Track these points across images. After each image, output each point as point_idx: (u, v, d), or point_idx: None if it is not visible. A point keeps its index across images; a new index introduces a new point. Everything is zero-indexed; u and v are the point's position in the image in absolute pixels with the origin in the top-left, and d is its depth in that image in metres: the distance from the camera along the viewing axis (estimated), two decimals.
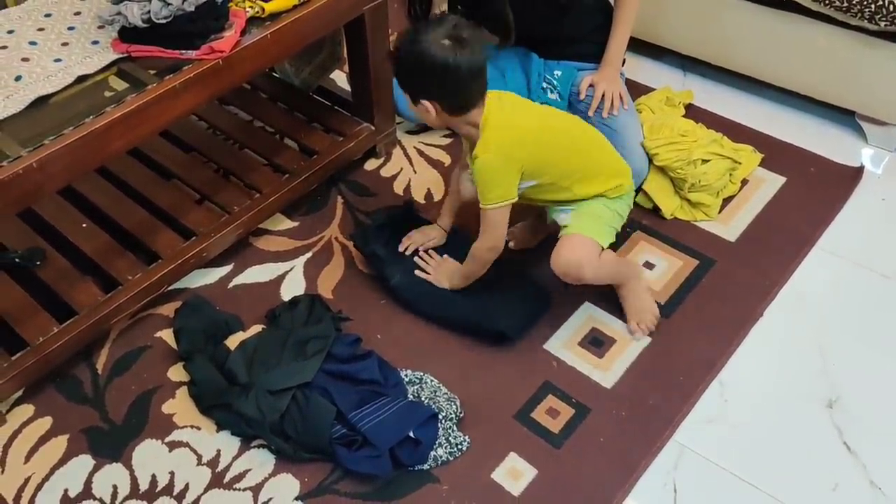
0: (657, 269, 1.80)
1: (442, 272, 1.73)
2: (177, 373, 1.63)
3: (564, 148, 1.60)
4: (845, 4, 1.88)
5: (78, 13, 1.68)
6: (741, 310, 1.71)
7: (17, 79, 1.50)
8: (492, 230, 1.57)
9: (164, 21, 1.50)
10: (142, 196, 1.92)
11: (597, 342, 1.67)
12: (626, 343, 1.66)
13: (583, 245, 1.56)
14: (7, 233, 1.80)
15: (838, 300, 1.75)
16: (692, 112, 2.19)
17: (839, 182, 1.99)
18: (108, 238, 1.79)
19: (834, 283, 1.78)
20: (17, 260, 1.72)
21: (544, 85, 2.05)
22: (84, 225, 1.82)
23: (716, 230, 1.89)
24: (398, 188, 2.05)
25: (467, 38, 1.41)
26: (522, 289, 1.73)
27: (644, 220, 1.91)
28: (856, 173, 2.01)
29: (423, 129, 2.22)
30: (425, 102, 1.48)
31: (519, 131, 1.53)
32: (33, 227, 1.82)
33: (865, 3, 1.85)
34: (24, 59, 1.54)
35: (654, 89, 2.24)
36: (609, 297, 1.72)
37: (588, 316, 1.71)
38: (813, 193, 1.96)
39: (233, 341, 1.65)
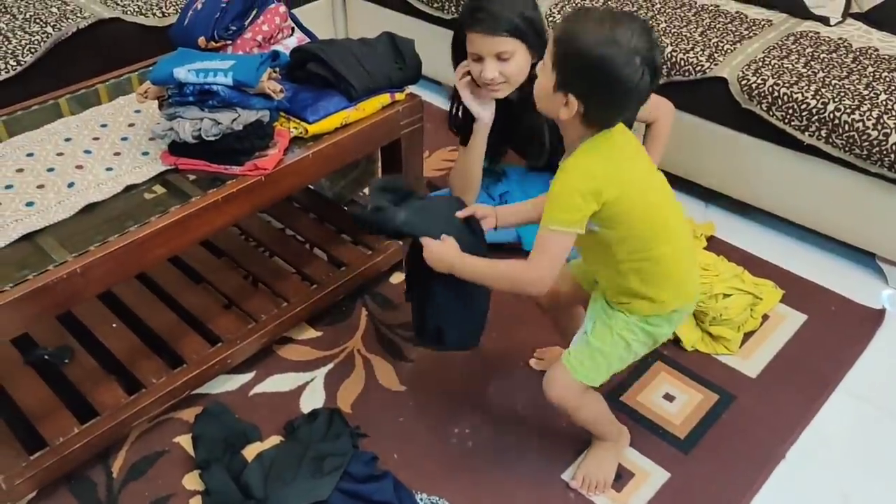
0: (677, 402, 1.80)
1: (436, 254, 1.46)
2: (192, 481, 1.62)
3: (651, 216, 1.38)
4: (865, 152, 1.95)
5: (132, 125, 1.77)
6: (763, 449, 1.69)
7: (70, 185, 1.57)
8: (543, 258, 1.34)
9: (213, 138, 1.58)
10: (171, 298, 1.96)
11: (615, 475, 1.65)
12: (645, 477, 1.64)
13: (563, 381, 1.47)
14: (38, 329, 1.83)
15: (861, 445, 1.72)
16: (713, 244, 2.23)
17: (861, 323, 2.00)
18: (135, 339, 1.82)
19: (856, 427, 1.76)
20: (46, 357, 1.75)
21: None
22: (114, 325, 1.86)
23: (736, 365, 1.89)
24: None
25: (657, 67, 1.26)
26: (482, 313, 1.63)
27: (665, 351, 1.92)
28: (878, 315, 2.02)
29: None
30: (572, 99, 1.28)
31: (617, 168, 1.33)
32: (64, 323, 1.85)
33: (885, 152, 1.91)
34: (78, 167, 1.62)
35: None
36: (630, 431, 1.71)
37: None
38: (834, 333, 1.97)
39: (250, 451, 1.65)
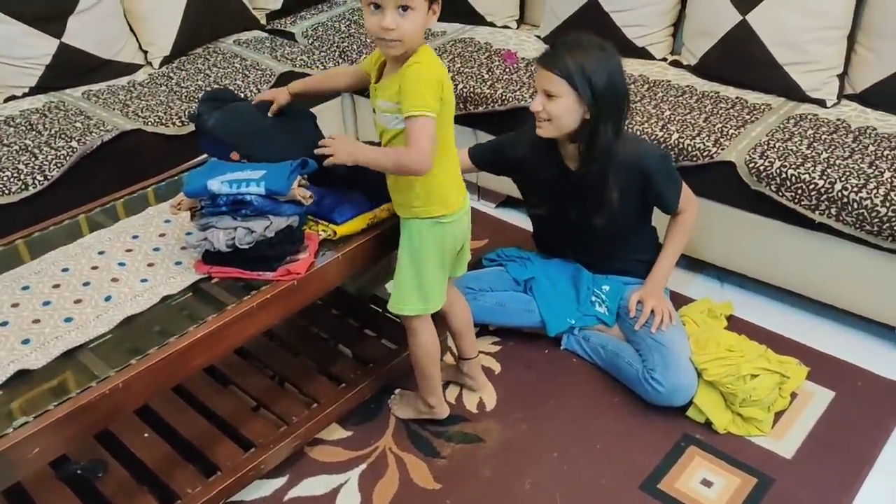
0: (715, 487, 1.78)
1: (342, 145, 1.67)
2: None
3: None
4: (875, 229, 2.00)
5: (163, 235, 1.81)
6: None
7: (107, 299, 1.59)
8: (420, 142, 1.54)
9: (247, 246, 1.61)
10: (199, 402, 1.95)
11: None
12: None
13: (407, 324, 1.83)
14: None
15: None
16: (734, 323, 2.25)
17: (888, 397, 2.01)
18: (168, 448, 1.81)
19: None
20: (78, 471, 1.73)
21: (593, 298, 2.14)
22: (146, 434, 1.85)
23: (771, 446, 1.88)
24: (450, 396, 2.07)
25: None
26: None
27: (698, 434, 1.92)
28: None
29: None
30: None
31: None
32: (96, 435, 1.83)
33: (895, 227, 1.96)
34: (114, 280, 1.64)
35: (692, 300, 2.32)
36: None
37: None
38: (864, 409, 1.97)
39: None
